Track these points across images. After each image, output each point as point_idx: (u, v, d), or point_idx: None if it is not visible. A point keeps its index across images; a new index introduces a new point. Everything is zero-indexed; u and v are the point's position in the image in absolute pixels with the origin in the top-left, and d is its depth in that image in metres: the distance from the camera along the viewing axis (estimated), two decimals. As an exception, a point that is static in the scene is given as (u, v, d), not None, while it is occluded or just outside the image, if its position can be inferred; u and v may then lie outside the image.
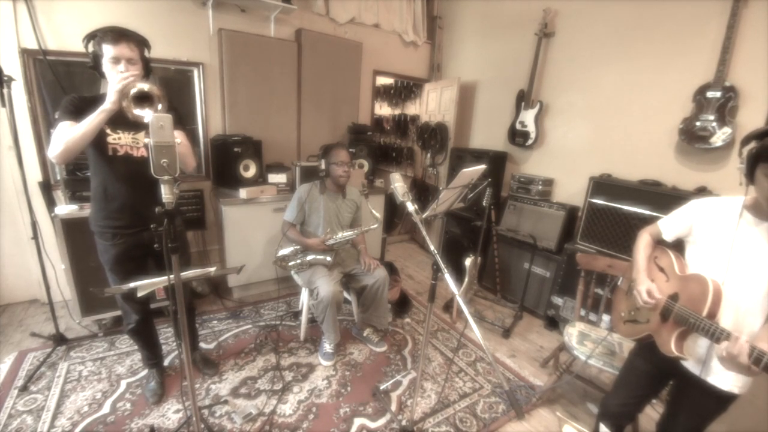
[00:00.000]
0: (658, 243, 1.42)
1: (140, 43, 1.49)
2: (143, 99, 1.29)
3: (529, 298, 2.95)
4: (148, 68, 1.55)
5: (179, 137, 1.55)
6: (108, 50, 1.40)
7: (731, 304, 1.14)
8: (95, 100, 1.40)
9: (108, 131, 1.48)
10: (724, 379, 1.17)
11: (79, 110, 1.42)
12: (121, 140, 1.52)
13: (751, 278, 1.12)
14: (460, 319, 2.84)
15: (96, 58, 1.45)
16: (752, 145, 1.04)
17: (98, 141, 1.45)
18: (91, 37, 1.45)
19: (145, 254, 1.65)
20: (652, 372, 1.38)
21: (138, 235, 1.60)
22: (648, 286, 1.30)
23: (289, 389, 2.01)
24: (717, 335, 1.05)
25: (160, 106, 1.28)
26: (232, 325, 2.56)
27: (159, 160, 1.06)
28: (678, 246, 1.36)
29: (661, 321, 1.27)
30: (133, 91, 1.27)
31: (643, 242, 1.43)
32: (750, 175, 1.05)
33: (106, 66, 1.43)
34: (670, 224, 1.37)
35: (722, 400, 1.21)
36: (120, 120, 1.41)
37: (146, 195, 1.47)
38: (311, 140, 3.44)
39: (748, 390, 1.18)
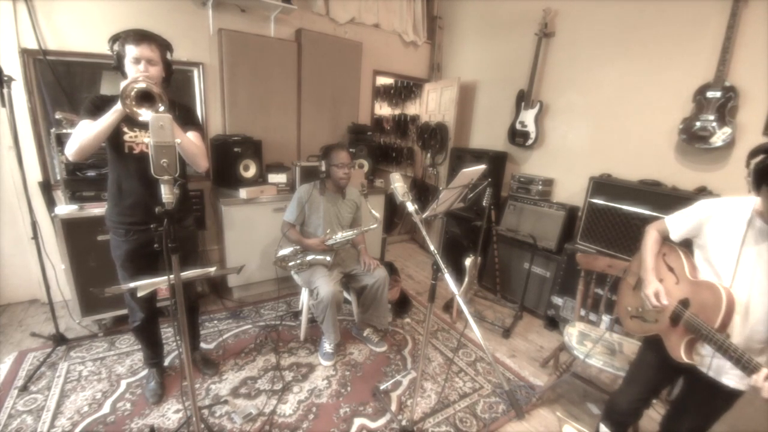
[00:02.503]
0: (666, 240, 1.40)
1: (162, 45, 1.53)
2: (145, 98, 1.30)
3: (529, 298, 2.95)
4: (169, 70, 1.59)
5: (193, 137, 1.58)
6: (130, 50, 1.44)
7: (740, 311, 1.11)
8: (115, 100, 1.41)
9: (125, 129, 1.52)
10: (734, 377, 1.17)
11: (99, 108, 1.45)
12: (137, 138, 1.55)
13: (760, 288, 1.09)
14: (460, 319, 2.84)
15: (119, 58, 1.49)
16: (760, 158, 1.02)
17: (115, 139, 1.49)
18: (116, 38, 1.49)
19: (155, 252, 1.65)
20: (663, 365, 1.35)
21: (150, 232, 1.61)
22: (656, 288, 1.28)
23: (289, 389, 2.01)
24: (744, 364, 1.02)
25: (161, 108, 1.28)
26: (232, 325, 2.56)
27: (159, 160, 1.06)
28: (686, 244, 1.34)
29: (670, 324, 1.25)
30: (132, 92, 1.28)
31: (651, 239, 1.40)
32: (756, 188, 1.04)
33: (128, 66, 1.46)
34: (677, 224, 1.33)
35: (730, 397, 1.21)
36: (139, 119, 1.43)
37: (159, 193, 1.49)
38: (311, 140, 3.44)
39: (750, 393, 1.18)
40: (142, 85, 1.28)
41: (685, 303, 1.22)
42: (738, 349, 1.03)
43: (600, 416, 1.67)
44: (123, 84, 1.32)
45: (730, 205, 1.18)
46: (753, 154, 1.05)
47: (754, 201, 1.11)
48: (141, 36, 1.46)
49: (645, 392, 1.42)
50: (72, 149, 1.40)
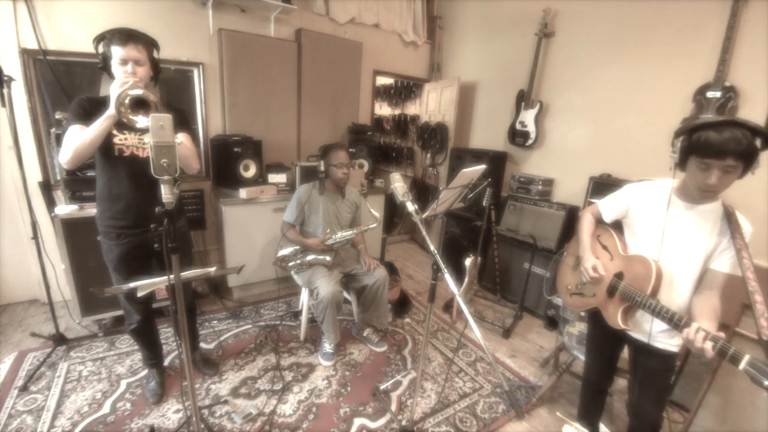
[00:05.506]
0: (599, 222, 1.52)
1: (148, 44, 1.51)
2: (140, 105, 1.29)
3: (529, 298, 2.95)
4: (157, 68, 1.57)
5: (184, 139, 1.55)
6: (116, 52, 1.42)
7: (665, 281, 1.25)
8: (104, 102, 1.40)
9: (114, 132, 1.49)
10: (664, 341, 1.31)
11: (88, 113, 1.44)
12: (127, 141, 1.53)
13: (683, 258, 1.24)
14: (460, 319, 2.84)
15: (105, 59, 1.47)
16: (685, 136, 1.15)
17: (105, 142, 1.46)
18: (101, 38, 1.46)
19: (148, 254, 1.65)
20: (608, 338, 1.48)
21: (142, 235, 1.60)
22: (593, 262, 1.41)
23: (289, 389, 2.01)
24: (676, 322, 1.14)
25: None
26: (232, 325, 2.56)
27: (159, 160, 1.06)
28: (617, 226, 1.47)
29: (607, 296, 1.38)
30: (126, 100, 1.27)
31: (586, 222, 1.53)
32: (682, 164, 1.18)
33: (115, 67, 1.44)
34: (608, 206, 1.47)
35: (667, 359, 1.35)
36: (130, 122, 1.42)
37: (151, 195, 1.47)
38: (311, 140, 3.44)
39: (751, 393, 1.20)
40: (138, 92, 1.27)
41: (619, 276, 1.36)
42: (669, 310, 1.17)
43: (598, 415, 1.68)
44: (114, 90, 1.30)
45: (652, 187, 1.34)
46: (678, 133, 1.18)
47: (671, 182, 1.27)
48: (126, 36, 1.42)
49: (603, 362, 1.59)
50: (66, 158, 1.39)
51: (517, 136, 3.26)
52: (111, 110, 1.33)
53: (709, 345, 1.03)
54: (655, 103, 2.45)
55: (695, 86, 2.20)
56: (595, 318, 1.50)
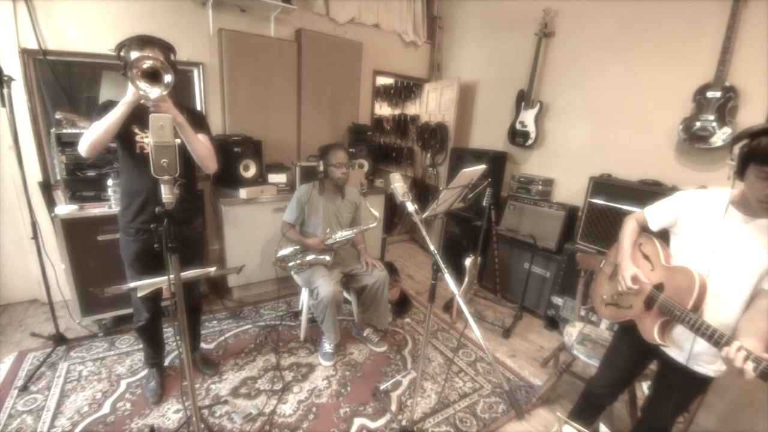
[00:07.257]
0: (644, 230, 1.44)
1: (165, 48, 1.57)
2: (151, 77, 1.31)
3: (529, 298, 2.95)
4: (174, 71, 1.59)
5: (203, 140, 1.62)
6: (134, 56, 1.44)
7: (713, 298, 1.16)
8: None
9: (136, 130, 1.56)
10: (704, 364, 1.23)
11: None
12: (148, 139, 1.56)
13: (733, 276, 1.14)
14: (460, 319, 2.84)
15: (126, 65, 1.49)
16: (745, 142, 1.04)
17: (127, 140, 1.53)
18: (121, 46, 1.53)
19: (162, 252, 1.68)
20: (635, 355, 1.41)
21: (158, 232, 1.62)
22: (633, 271, 1.32)
23: (289, 389, 2.01)
24: (716, 339, 1.06)
25: (168, 78, 1.30)
26: (232, 325, 2.56)
27: (159, 160, 1.07)
28: (663, 234, 1.39)
29: (644, 309, 1.30)
30: (144, 65, 1.29)
31: (629, 228, 1.45)
32: (741, 173, 1.06)
33: None
34: (656, 214, 1.38)
35: (702, 382, 1.28)
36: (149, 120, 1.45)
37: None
38: (311, 140, 3.44)
39: (751, 393, 1.19)
40: (155, 63, 1.28)
41: (659, 287, 1.27)
42: (710, 326, 1.08)
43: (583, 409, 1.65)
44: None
45: (707, 196, 1.23)
46: (738, 137, 1.07)
47: (729, 192, 1.16)
48: (143, 42, 1.49)
49: (618, 379, 1.49)
50: (84, 145, 1.44)
51: (517, 136, 3.26)
52: (127, 96, 1.37)
53: (750, 366, 0.95)
54: (655, 103, 2.45)
55: (695, 86, 2.20)
56: (626, 331, 1.41)
